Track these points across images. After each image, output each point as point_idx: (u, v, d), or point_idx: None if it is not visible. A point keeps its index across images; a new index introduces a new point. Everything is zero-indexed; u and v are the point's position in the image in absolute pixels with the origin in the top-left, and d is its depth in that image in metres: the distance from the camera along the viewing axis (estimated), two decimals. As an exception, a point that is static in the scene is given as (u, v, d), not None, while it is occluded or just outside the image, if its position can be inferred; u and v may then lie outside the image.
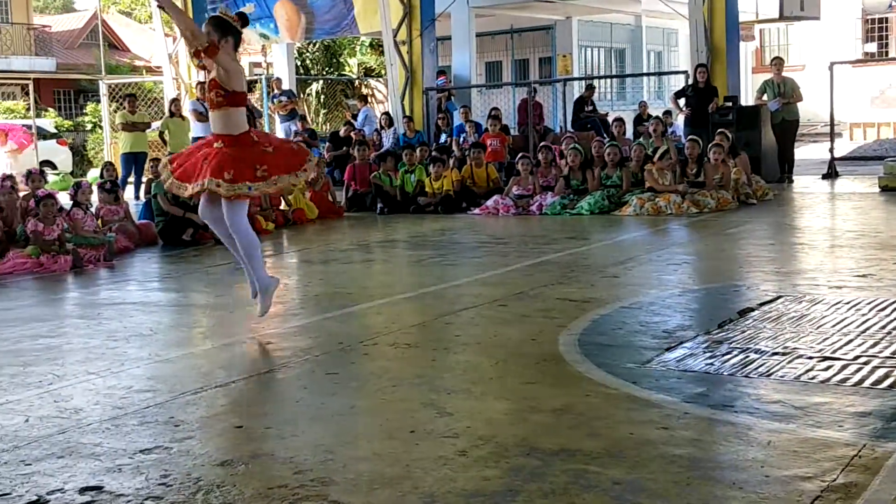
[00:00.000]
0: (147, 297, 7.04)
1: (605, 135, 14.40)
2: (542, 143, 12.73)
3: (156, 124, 16.37)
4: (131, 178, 15.03)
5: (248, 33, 18.24)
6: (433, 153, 13.07)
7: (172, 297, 7.05)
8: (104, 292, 7.40)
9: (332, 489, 3.09)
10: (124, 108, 15.76)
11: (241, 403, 4.11)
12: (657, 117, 13.44)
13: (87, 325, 5.92)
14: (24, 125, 20.97)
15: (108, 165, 12.89)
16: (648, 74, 26.03)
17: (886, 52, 26.05)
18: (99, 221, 9.66)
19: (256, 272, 5.52)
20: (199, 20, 17.90)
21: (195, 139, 15.00)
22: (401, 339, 5.19)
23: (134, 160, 14.94)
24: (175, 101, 15.47)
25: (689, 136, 11.92)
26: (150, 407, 4.06)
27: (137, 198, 14.12)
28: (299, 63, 23.78)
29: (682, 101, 13.98)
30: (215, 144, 5.36)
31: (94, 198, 10.13)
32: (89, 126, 26.29)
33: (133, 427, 3.80)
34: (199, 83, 16.44)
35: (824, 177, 13.80)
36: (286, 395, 4.23)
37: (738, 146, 12.12)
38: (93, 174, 18.10)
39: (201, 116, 15.07)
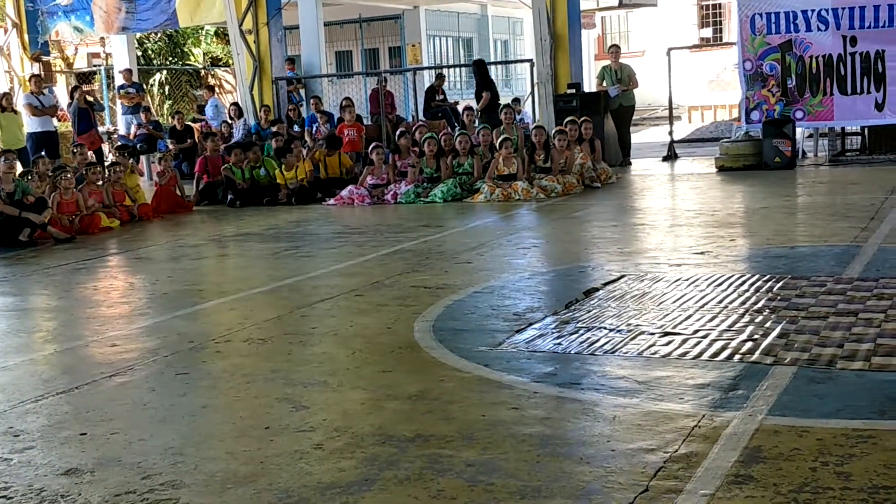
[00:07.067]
0: (-19, 303, 6.66)
1: (455, 123, 14.54)
2: (400, 129, 12.73)
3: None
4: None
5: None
6: (285, 143, 12.89)
7: (9, 302, 6.69)
8: (-67, 299, 6.96)
9: (183, 492, 3.02)
10: (-50, 103, 14.76)
11: (85, 409, 3.94)
12: (508, 105, 13.66)
13: (-87, 336, 5.55)
14: None
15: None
16: (495, 63, 26.42)
17: (721, 38, 27.28)
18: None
19: None
20: (32, 18, 17.15)
21: (30, 135, 14.27)
22: (255, 334, 5.11)
23: (-37, 158, 14.04)
24: (6, 95, 14.62)
25: (535, 124, 12.19)
26: (-14, 418, 3.86)
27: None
28: (140, 53, 22.89)
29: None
30: None
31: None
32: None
33: (-33, 441, 3.60)
34: (34, 75, 15.64)
35: (664, 159, 14.37)
36: (133, 399, 4.09)
37: (600, 134, 12.35)
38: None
39: (36, 111, 14.35)
